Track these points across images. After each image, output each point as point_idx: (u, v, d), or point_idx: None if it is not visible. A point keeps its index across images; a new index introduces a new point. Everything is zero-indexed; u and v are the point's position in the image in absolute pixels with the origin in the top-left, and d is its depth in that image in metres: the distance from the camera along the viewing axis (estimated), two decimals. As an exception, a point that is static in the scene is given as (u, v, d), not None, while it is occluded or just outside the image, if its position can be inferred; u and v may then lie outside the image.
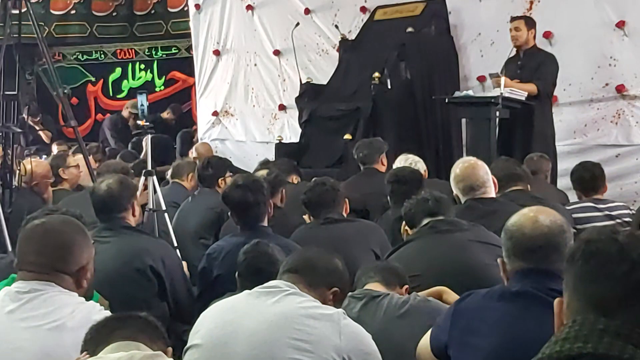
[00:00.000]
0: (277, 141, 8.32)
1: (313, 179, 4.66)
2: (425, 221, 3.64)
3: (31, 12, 5.30)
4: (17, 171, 5.25)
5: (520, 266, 2.46)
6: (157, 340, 2.09)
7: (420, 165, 5.68)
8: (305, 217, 4.57)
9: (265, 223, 4.12)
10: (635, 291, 1.63)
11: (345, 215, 4.48)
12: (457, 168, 4.26)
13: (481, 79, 7.75)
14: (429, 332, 2.67)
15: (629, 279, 1.64)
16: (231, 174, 6.23)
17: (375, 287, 3.07)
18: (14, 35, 5.21)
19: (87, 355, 2.05)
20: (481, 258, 3.43)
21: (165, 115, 10.97)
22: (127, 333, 2.06)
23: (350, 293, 3.00)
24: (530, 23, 6.88)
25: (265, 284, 2.64)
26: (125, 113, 11.19)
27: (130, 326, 2.10)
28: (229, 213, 4.24)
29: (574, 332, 1.62)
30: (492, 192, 4.19)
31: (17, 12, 5.27)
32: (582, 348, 1.59)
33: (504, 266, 2.55)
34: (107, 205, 3.83)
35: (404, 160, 5.70)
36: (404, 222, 3.82)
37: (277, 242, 3.57)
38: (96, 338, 2.09)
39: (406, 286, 3.17)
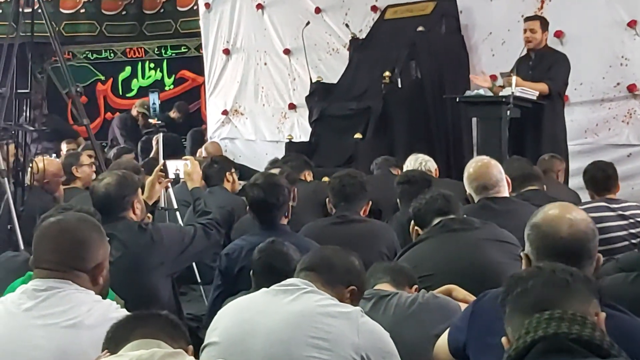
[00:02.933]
0: (287, 140, 8.32)
1: (346, 170, 4.66)
2: (436, 220, 3.63)
3: (44, 9, 5.30)
4: (29, 169, 5.25)
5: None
6: (178, 339, 2.09)
7: (430, 164, 5.68)
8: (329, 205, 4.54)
9: (285, 222, 4.12)
10: (562, 289, 1.91)
11: (362, 214, 4.45)
12: (471, 167, 4.26)
13: (492, 78, 7.71)
14: (446, 332, 2.67)
15: (553, 281, 1.95)
16: (237, 170, 6.26)
17: (385, 287, 3.07)
18: (27, 34, 5.21)
19: (108, 354, 2.05)
20: (494, 256, 3.43)
21: (172, 114, 10.96)
22: (148, 331, 2.06)
23: None
24: (544, 24, 6.86)
25: (283, 282, 2.64)
26: (133, 112, 11.19)
27: (151, 324, 2.10)
28: (247, 208, 4.22)
29: (525, 330, 1.82)
30: (505, 192, 4.19)
31: (29, 10, 5.28)
32: (533, 336, 1.79)
33: (527, 260, 2.49)
34: (106, 206, 3.79)
35: (414, 160, 5.70)
36: (412, 222, 3.80)
37: (295, 241, 3.56)
38: (117, 336, 2.09)
39: (415, 286, 3.17)
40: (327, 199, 4.55)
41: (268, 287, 2.69)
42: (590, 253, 2.44)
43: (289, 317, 2.46)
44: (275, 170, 5.34)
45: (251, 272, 3.37)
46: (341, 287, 2.64)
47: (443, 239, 3.53)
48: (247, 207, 4.19)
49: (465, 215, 3.72)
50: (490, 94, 6.64)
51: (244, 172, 8.04)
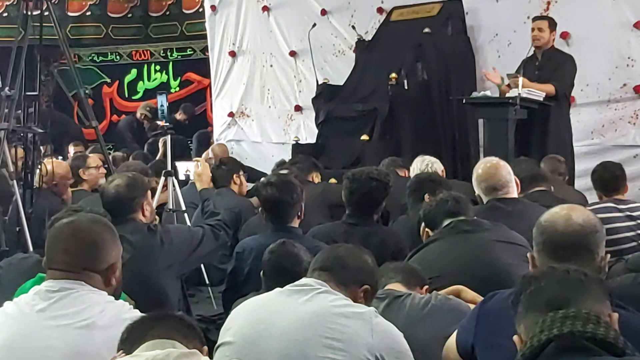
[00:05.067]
0: (294, 142, 8.34)
1: (361, 169, 4.56)
2: (446, 222, 3.63)
3: (52, 12, 5.31)
4: (38, 171, 5.26)
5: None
6: (192, 339, 2.09)
7: (437, 165, 5.68)
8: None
9: (296, 224, 4.11)
10: (576, 287, 1.91)
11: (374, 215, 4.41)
12: (480, 168, 4.26)
13: (500, 79, 7.74)
14: (454, 333, 2.67)
15: (567, 279, 1.94)
16: (245, 172, 6.28)
17: (396, 287, 3.07)
18: (36, 37, 5.22)
19: (123, 354, 2.05)
20: (504, 258, 3.43)
21: (178, 116, 10.99)
22: (162, 332, 2.06)
23: None
24: (552, 24, 6.85)
25: (297, 282, 2.64)
26: (137, 114, 11.22)
27: (166, 325, 2.10)
28: (259, 209, 4.23)
29: (539, 328, 1.81)
30: (514, 193, 4.19)
31: (38, 12, 5.29)
32: (548, 335, 1.79)
33: (533, 261, 2.54)
34: (116, 207, 3.81)
35: (420, 162, 5.70)
36: (423, 224, 3.80)
37: (305, 243, 3.57)
38: (132, 337, 2.10)
39: (426, 286, 3.17)
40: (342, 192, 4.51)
41: (279, 287, 2.70)
42: (589, 247, 2.47)
43: (303, 317, 2.45)
44: (284, 172, 5.35)
45: (261, 272, 3.38)
46: (355, 286, 2.63)
47: (453, 241, 3.54)
48: (259, 208, 4.19)
49: (475, 217, 3.72)
50: (497, 94, 6.65)
51: (251, 174, 8.08)
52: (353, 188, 4.28)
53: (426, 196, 4.50)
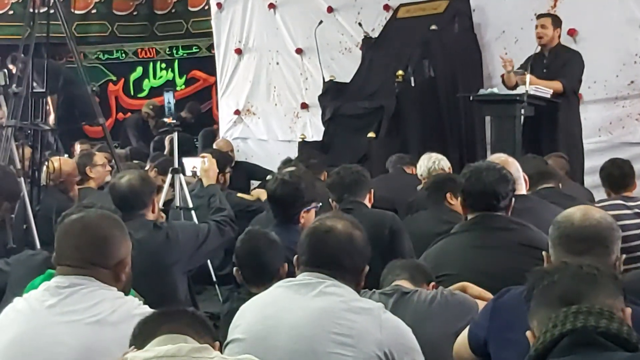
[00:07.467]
0: (301, 139, 8.34)
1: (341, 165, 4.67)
2: (474, 215, 3.52)
3: (59, 9, 5.31)
4: (45, 169, 5.26)
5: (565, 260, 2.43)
6: (204, 335, 2.09)
7: (444, 162, 5.68)
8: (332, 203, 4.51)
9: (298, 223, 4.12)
10: (589, 282, 1.90)
11: (368, 205, 4.43)
12: (488, 165, 4.23)
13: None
14: (466, 330, 2.67)
15: (580, 274, 1.93)
16: (231, 170, 6.28)
17: (403, 284, 3.09)
18: (42, 34, 5.22)
19: (135, 349, 2.05)
20: (526, 263, 3.29)
21: (183, 114, 10.99)
22: (174, 327, 2.06)
23: (379, 290, 3.02)
24: (556, 21, 6.86)
25: (302, 276, 2.60)
26: (142, 113, 11.23)
27: (178, 320, 2.10)
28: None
29: (552, 323, 1.80)
30: (523, 189, 4.16)
31: (45, 9, 5.28)
32: (561, 330, 1.78)
33: (548, 260, 2.54)
34: (129, 201, 3.82)
35: (427, 159, 5.70)
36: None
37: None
38: (144, 332, 2.10)
39: (432, 283, 3.18)
40: (329, 199, 4.51)
41: (256, 279, 2.89)
42: (605, 242, 2.47)
43: (312, 314, 2.45)
44: (290, 169, 5.34)
45: (236, 265, 3.43)
46: (355, 276, 2.60)
47: (475, 237, 3.46)
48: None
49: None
50: (505, 91, 6.63)
51: (255, 172, 8.10)
52: (343, 173, 4.49)
53: (448, 195, 4.50)
